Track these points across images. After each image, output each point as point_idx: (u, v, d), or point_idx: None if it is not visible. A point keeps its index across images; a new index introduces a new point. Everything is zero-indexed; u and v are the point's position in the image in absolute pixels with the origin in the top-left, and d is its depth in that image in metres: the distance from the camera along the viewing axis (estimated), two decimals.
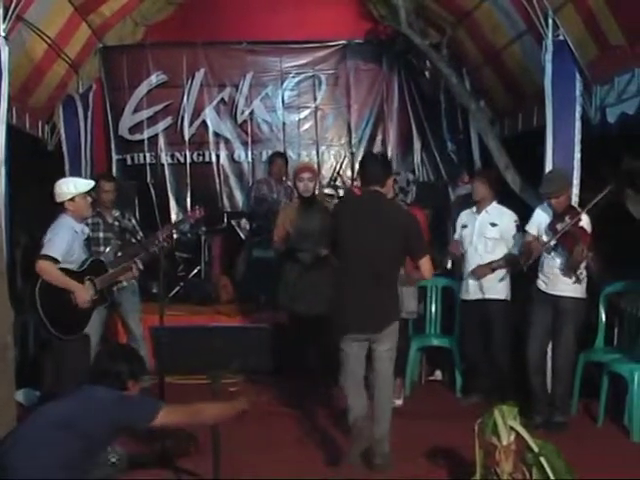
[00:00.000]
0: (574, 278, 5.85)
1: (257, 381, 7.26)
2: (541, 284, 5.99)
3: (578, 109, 6.40)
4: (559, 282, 5.89)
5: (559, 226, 5.78)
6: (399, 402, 6.69)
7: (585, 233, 5.75)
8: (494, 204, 6.60)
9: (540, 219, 6.07)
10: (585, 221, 5.83)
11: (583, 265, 5.77)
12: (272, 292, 7.13)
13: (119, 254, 6.38)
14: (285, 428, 6.11)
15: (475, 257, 6.59)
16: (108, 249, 6.55)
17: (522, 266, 6.07)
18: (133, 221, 7.06)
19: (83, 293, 5.61)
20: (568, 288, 5.87)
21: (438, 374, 7.54)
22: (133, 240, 6.44)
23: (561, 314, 5.87)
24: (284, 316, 6.97)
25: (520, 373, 6.11)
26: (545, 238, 5.96)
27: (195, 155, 9.86)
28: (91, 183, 5.82)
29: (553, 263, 5.93)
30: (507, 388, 6.34)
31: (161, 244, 6.23)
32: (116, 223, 6.72)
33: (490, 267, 6.50)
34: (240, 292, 8.82)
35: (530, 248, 6.01)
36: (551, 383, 6.00)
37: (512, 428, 4.29)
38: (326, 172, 9.83)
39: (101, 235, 6.74)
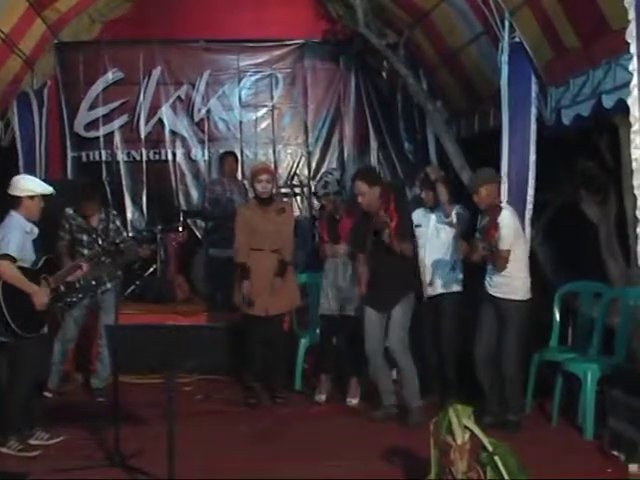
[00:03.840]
0: (516, 280, 5.83)
1: (211, 381, 7.26)
2: (486, 284, 6.00)
3: (533, 110, 6.41)
4: (499, 283, 5.89)
5: (482, 224, 5.81)
6: (355, 401, 6.72)
7: (493, 229, 5.73)
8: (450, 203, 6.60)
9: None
10: (505, 216, 5.79)
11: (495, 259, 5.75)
12: (228, 291, 7.06)
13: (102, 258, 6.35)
14: (237, 428, 6.07)
15: (432, 255, 6.57)
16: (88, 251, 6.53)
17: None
18: (117, 222, 6.98)
19: (40, 296, 5.49)
20: (508, 290, 5.85)
21: (393, 373, 7.50)
22: (117, 242, 6.38)
23: (502, 317, 5.87)
24: (240, 316, 6.90)
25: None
26: (478, 235, 5.94)
27: (151, 153, 9.74)
28: (51, 189, 5.71)
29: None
30: (454, 387, 6.39)
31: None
32: (100, 226, 6.78)
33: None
34: (196, 291, 8.79)
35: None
36: (500, 384, 5.99)
37: (467, 427, 4.28)
38: (283, 171, 9.80)
39: (85, 238, 6.76)
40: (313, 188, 6.80)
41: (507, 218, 5.81)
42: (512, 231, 5.80)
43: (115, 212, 7.22)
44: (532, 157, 6.46)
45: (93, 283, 6.75)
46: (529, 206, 6.39)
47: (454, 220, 6.44)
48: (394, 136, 9.86)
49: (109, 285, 6.83)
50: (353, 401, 6.73)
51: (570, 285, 6.55)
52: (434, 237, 6.58)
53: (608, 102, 5.31)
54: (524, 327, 5.91)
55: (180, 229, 9.10)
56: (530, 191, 6.42)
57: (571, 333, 6.63)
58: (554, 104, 6.26)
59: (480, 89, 7.78)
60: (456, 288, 6.53)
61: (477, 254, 5.82)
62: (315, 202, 9.22)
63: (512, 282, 5.83)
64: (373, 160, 9.86)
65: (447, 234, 6.53)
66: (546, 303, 6.51)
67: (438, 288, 6.54)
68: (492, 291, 5.92)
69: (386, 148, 9.91)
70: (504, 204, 5.98)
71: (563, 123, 6.10)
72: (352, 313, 6.60)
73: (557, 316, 6.52)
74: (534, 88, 6.42)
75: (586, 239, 6.89)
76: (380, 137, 9.92)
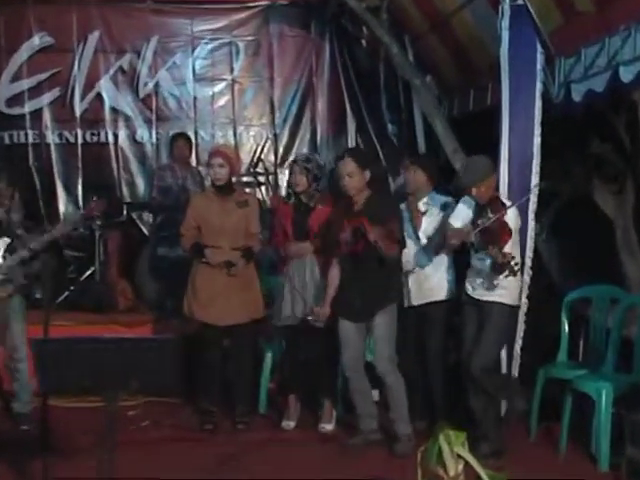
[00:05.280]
0: (506, 283, 5.85)
1: (160, 403, 7.22)
2: (468, 287, 6.04)
3: (539, 85, 6.41)
4: (484, 285, 5.92)
5: (480, 221, 5.81)
6: (329, 427, 6.72)
7: (505, 230, 5.77)
8: (432, 194, 6.60)
9: (464, 213, 6.08)
10: (511, 216, 5.85)
11: (506, 268, 5.78)
12: (179, 298, 7.03)
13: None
14: (191, 459, 6.05)
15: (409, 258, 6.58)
16: None
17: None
18: (16, 216, 6.88)
19: None
20: (496, 293, 5.89)
21: (375, 394, 7.52)
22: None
23: (483, 321, 5.92)
24: (193, 326, 6.86)
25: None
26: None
27: (88, 134, 9.72)
28: None
29: (479, 265, 5.96)
30: (444, 410, 6.42)
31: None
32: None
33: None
34: (141, 298, 8.77)
35: (451, 244, 6.03)
36: (470, 407, 6.01)
37: (460, 456, 4.29)
38: (245, 156, 9.78)
39: None
40: (291, 161, 6.66)
41: (515, 218, 5.89)
42: (517, 233, 5.90)
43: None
44: (537, 140, 6.47)
45: None
46: (533, 197, 6.40)
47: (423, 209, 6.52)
48: (375, 115, 9.91)
49: (3, 293, 6.58)
50: (327, 427, 6.71)
51: (581, 290, 6.56)
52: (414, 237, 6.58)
53: (626, 75, 5.31)
54: (504, 335, 5.98)
55: (123, 224, 9.07)
56: (534, 180, 6.43)
57: (582, 346, 6.66)
58: (563, 78, 6.26)
59: (476, 60, 7.79)
60: (443, 295, 6.52)
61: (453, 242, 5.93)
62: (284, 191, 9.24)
63: (501, 283, 5.87)
64: (350, 143, 9.89)
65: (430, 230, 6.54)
66: (553, 311, 6.54)
67: (421, 296, 6.56)
68: (476, 294, 5.98)
69: (366, 130, 9.96)
70: (504, 199, 6.01)
71: (573, 100, 6.11)
72: (320, 324, 6.55)
73: (566, 326, 6.53)
74: (539, 59, 6.42)
75: (600, 236, 6.93)
76: (359, 117, 9.96)
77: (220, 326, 6.68)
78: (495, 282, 5.86)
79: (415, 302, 6.56)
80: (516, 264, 5.57)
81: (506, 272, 5.60)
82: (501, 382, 6.11)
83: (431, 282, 6.53)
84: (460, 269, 6.34)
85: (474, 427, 5.86)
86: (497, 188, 6.10)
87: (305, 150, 9.81)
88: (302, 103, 10.00)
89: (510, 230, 5.76)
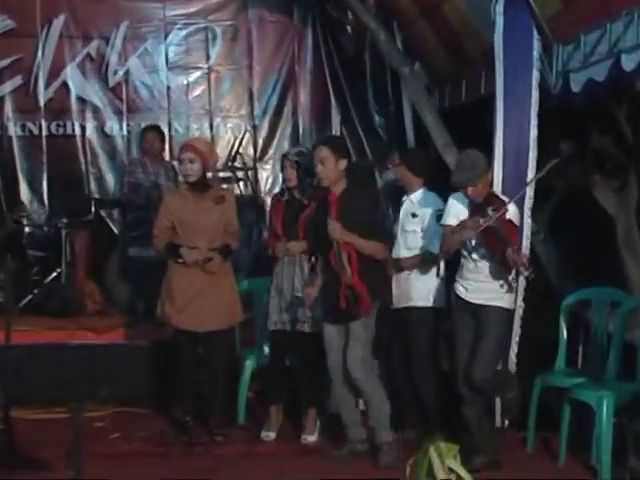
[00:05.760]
0: (505, 286, 5.87)
1: (131, 414, 7.20)
2: (460, 290, 6.03)
3: (535, 74, 6.44)
4: (482, 289, 5.91)
5: (481, 220, 5.80)
6: (312, 438, 6.72)
7: (513, 228, 5.78)
8: (422, 190, 6.61)
9: (457, 210, 6.07)
10: (512, 212, 5.86)
11: (513, 270, 5.79)
12: (152, 301, 7.01)
13: None
14: (165, 473, 6.02)
15: (397, 254, 6.59)
16: None
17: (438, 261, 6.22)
18: None
19: None
20: (493, 296, 5.89)
21: (361, 403, 7.54)
22: None
23: (481, 326, 5.91)
24: (167, 332, 6.85)
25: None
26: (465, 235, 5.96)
27: (53, 126, 9.68)
28: None
29: (473, 266, 5.95)
30: (435, 420, 6.43)
31: None
32: None
33: (399, 264, 6.53)
34: (111, 301, 8.75)
35: (450, 244, 6.02)
36: (464, 416, 6.02)
37: (451, 469, 4.30)
38: (222, 150, 9.74)
39: None
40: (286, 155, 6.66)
41: (516, 214, 5.91)
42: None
43: None
44: (533, 133, 6.49)
45: None
46: (530, 193, 6.42)
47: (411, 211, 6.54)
48: (361, 106, 9.91)
49: None
50: (310, 438, 6.71)
51: (580, 292, 6.57)
52: (400, 233, 6.61)
53: (629, 63, 5.31)
54: (503, 342, 5.99)
55: (91, 222, 9.03)
56: (530, 174, 6.45)
57: (581, 352, 6.64)
58: (561, 66, 6.27)
59: (469, 48, 7.80)
60: (427, 301, 6.52)
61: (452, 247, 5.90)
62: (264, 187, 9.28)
63: (496, 286, 5.87)
64: None
65: (412, 227, 6.55)
66: (550, 315, 6.55)
67: (403, 300, 6.57)
68: (472, 298, 5.97)
69: (351, 122, 9.96)
70: (498, 193, 6.03)
71: (572, 90, 6.12)
72: (308, 329, 6.57)
73: (564, 331, 6.54)
74: (536, 46, 6.44)
75: (600, 235, 6.94)
76: (343, 108, 9.96)
77: (196, 332, 6.66)
78: (499, 283, 5.86)
79: (397, 304, 6.58)
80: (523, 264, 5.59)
81: (525, 273, 5.61)
82: (500, 381, 6.09)
83: (413, 285, 6.53)
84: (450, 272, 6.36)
85: (469, 438, 5.88)
86: (491, 184, 6.10)
87: (286, 144, 9.81)
88: (283, 93, 9.99)
89: (517, 227, 5.78)
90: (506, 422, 6.60)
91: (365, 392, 6.24)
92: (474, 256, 5.93)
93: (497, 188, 6.28)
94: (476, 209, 5.87)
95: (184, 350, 6.74)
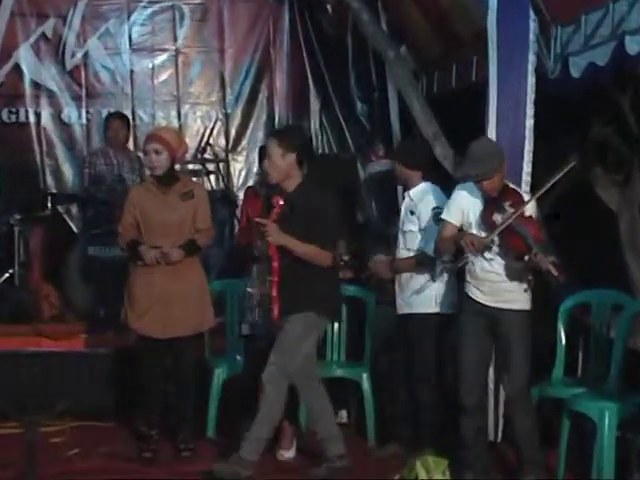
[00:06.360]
0: (524, 285, 5.88)
1: (91, 428, 7.17)
2: (474, 291, 6.00)
3: (532, 58, 6.44)
4: (500, 290, 5.90)
5: (499, 217, 5.77)
6: (289, 454, 6.72)
7: (534, 225, 5.76)
8: (422, 185, 6.60)
9: (464, 204, 6.03)
10: (531, 208, 5.86)
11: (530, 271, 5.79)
12: (114, 305, 6.99)
13: None
14: None
15: (398, 256, 6.60)
16: None
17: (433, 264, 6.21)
18: None
19: None
20: (514, 298, 5.89)
21: (343, 415, 7.55)
22: None
23: (506, 334, 5.89)
24: (130, 338, 6.83)
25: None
26: (475, 232, 5.94)
27: (5, 113, 9.72)
28: None
29: (488, 265, 5.92)
30: (427, 434, 6.44)
31: None
32: None
33: (391, 266, 6.52)
34: (70, 305, 8.69)
35: (446, 246, 6.00)
36: (515, 431, 6.02)
37: None
38: (191, 140, 9.70)
39: None
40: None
41: (536, 208, 5.87)
42: None
43: None
44: (529, 122, 6.50)
45: None
46: (525, 188, 6.42)
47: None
48: (342, 93, 9.93)
49: None
50: (286, 454, 6.72)
51: (580, 295, 6.58)
52: (400, 232, 6.61)
53: (633, 46, 5.31)
54: (530, 346, 5.96)
55: (47, 219, 9.00)
56: (526, 168, 6.48)
57: (581, 360, 6.67)
58: (560, 49, 6.28)
59: (459, 29, 7.79)
60: (430, 307, 6.52)
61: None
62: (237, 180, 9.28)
63: (515, 286, 5.86)
64: (314, 125, 9.91)
65: (409, 226, 6.56)
66: (547, 319, 6.55)
67: (404, 306, 6.59)
68: (489, 301, 5.94)
69: (331, 110, 10.00)
70: (513, 186, 5.98)
71: (572, 75, 6.13)
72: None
73: (562, 337, 6.55)
74: (532, 27, 6.44)
75: (602, 233, 6.95)
76: (323, 95, 10.02)
77: (161, 339, 6.64)
78: (517, 283, 5.84)
79: (399, 310, 6.60)
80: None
81: (555, 273, 5.60)
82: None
83: (412, 290, 6.52)
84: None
85: (464, 452, 5.90)
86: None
87: (261, 134, 9.81)
88: (257, 78, 10.04)
89: (539, 222, 5.75)
90: (499, 437, 6.62)
91: (265, 399, 6.18)
92: (487, 254, 5.88)
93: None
94: (490, 204, 5.82)
95: (148, 358, 6.71)
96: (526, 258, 5.57)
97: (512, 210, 5.71)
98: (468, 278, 6.03)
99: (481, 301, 5.97)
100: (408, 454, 6.03)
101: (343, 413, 7.60)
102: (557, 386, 6.40)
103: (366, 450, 6.93)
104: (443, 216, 6.07)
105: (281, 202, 6.05)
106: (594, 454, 5.86)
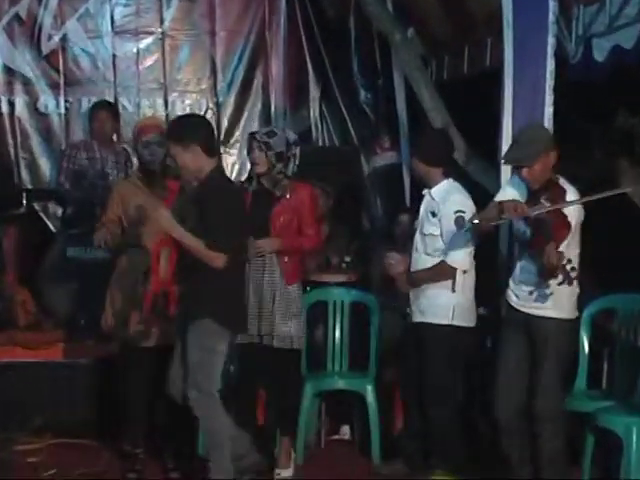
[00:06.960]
0: (561, 290, 5.82)
1: (70, 446, 7.15)
2: (511, 297, 5.98)
3: (551, 41, 6.45)
4: (532, 294, 5.87)
5: (532, 210, 5.74)
6: (287, 473, 6.72)
7: (562, 225, 5.71)
8: (444, 183, 6.53)
9: (508, 195, 5.96)
10: (573, 209, 5.75)
11: (559, 272, 5.75)
12: (96, 311, 6.97)
13: None
14: None
15: (415, 262, 6.56)
16: None
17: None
18: None
19: None
20: (546, 304, 5.84)
21: (346, 431, 7.54)
22: None
23: (537, 343, 5.86)
24: (113, 347, 6.84)
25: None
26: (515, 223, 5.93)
27: None
28: None
29: (525, 266, 5.90)
30: (438, 452, 6.43)
31: None
32: None
33: (409, 278, 6.52)
34: (47, 311, 8.58)
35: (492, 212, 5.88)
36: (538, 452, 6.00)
37: None
38: None
39: None
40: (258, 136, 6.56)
41: (577, 211, 5.74)
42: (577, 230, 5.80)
43: None
44: (548, 110, 6.51)
45: None
46: None
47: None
48: (344, 80, 9.96)
49: None
50: (284, 473, 6.71)
51: (605, 300, 6.59)
52: (419, 236, 6.57)
53: None
54: (567, 359, 5.95)
55: (22, 217, 9.03)
56: None
57: (606, 370, 6.68)
58: (582, 31, 6.29)
59: (472, 9, 7.81)
60: (443, 317, 6.49)
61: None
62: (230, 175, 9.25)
63: (556, 292, 5.79)
64: (313, 115, 9.91)
65: (430, 229, 6.50)
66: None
67: (418, 314, 6.57)
68: (522, 306, 5.92)
69: (332, 98, 10.01)
70: (563, 181, 5.86)
71: (595, 59, 6.12)
72: (276, 344, 6.57)
73: (585, 345, 6.57)
74: (552, 7, 6.45)
75: (628, 231, 6.93)
76: (324, 82, 10.02)
77: (144, 347, 6.61)
78: (548, 291, 5.78)
79: (413, 318, 6.58)
80: (572, 269, 5.47)
81: (560, 278, 5.54)
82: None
83: (427, 297, 6.51)
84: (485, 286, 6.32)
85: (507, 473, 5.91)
86: (557, 170, 5.87)
87: (255, 124, 9.82)
88: (251, 64, 10.04)
89: (569, 224, 5.69)
90: None
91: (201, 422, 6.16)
92: (526, 255, 5.85)
93: (506, 176, 6.25)
94: (530, 198, 5.78)
95: (133, 369, 6.69)
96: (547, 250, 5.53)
97: (548, 204, 5.66)
98: (509, 281, 6.02)
99: (515, 306, 5.97)
100: (413, 473, 6.05)
101: (345, 429, 7.59)
102: (580, 399, 6.41)
103: (370, 469, 6.94)
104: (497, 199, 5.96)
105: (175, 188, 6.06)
106: (621, 472, 5.87)
